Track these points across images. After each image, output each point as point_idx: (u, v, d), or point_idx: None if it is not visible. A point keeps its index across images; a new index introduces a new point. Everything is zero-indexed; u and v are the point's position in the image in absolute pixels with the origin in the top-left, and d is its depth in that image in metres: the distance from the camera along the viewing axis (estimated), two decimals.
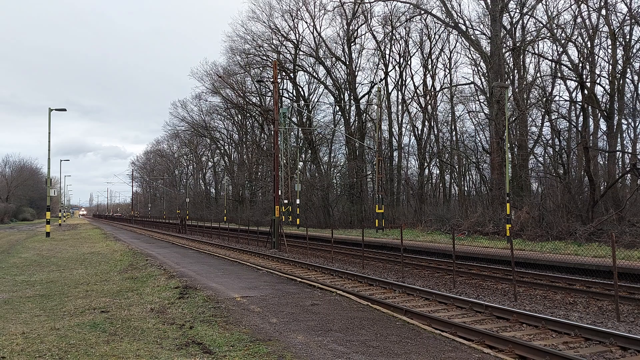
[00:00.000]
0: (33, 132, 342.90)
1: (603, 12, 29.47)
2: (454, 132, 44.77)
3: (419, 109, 47.76)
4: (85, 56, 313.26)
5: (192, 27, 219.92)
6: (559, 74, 33.20)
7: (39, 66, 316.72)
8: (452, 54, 46.58)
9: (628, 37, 30.45)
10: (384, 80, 49.36)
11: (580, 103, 30.06)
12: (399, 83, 48.91)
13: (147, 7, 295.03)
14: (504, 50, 34.04)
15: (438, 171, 47.43)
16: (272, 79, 36.42)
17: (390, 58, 49.58)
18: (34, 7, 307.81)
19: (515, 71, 36.79)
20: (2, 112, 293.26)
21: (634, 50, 30.31)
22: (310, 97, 58.13)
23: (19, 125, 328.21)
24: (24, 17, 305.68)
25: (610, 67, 30.10)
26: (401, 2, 42.17)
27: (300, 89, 58.00)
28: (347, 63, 50.55)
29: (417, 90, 48.20)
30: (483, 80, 40.56)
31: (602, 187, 27.80)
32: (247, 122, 72.08)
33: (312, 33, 52.36)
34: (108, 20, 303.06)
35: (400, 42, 48.24)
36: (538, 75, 36.76)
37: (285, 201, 45.41)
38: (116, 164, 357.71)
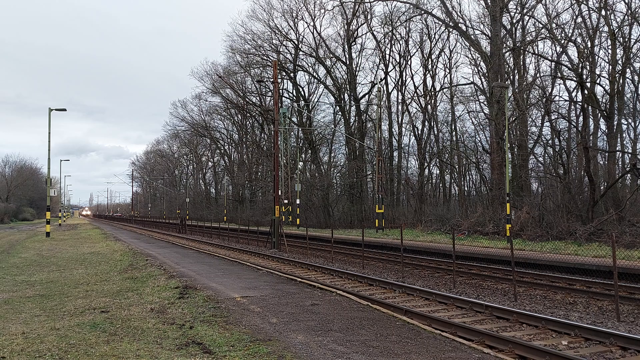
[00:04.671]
0: (36, 132, 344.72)
1: (603, 12, 29.48)
2: (454, 132, 44.80)
3: (419, 109, 47.77)
4: (88, 56, 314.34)
5: (196, 27, 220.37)
6: (559, 74, 33.18)
7: (43, 66, 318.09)
8: (452, 54, 46.59)
9: (628, 37, 30.46)
10: (384, 80, 49.38)
11: (580, 103, 30.05)
12: (399, 83, 48.93)
13: (151, 7, 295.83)
14: (504, 50, 34.03)
15: (438, 171, 47.46)
16: (272, 79, 36.43)
17: (390, 58, 49.64)
18: (39, 7, 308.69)
19: (515, 71, 36.78)
20: (6, 113, 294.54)
21: (634, 50, 30.32)
22: (310, 97, 58.16)
23: (23, 125, 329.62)
24: (28, 17, 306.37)
25: (610, 67, 30.09)
26: (401, 2, 42.17)
27: (301, 89, 58.06)
28: (347, 63, 50.55)
29: (417, 90, 48.24)
30: (483, 80, 40.54)
31: (602, 187, 27.80)
32: (247, 122, 72.08)
33: (312, 33, 52.42)
34: (112, 19, 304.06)
35: (400, 42, 48.29)
36: (538, 75, 36.75)
37: (285, 201, 45.39)
38: (118, 164, 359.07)
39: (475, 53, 39.33)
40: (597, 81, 30.49)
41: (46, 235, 39.27)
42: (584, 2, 29.97)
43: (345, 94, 51.82)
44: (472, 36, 37.89)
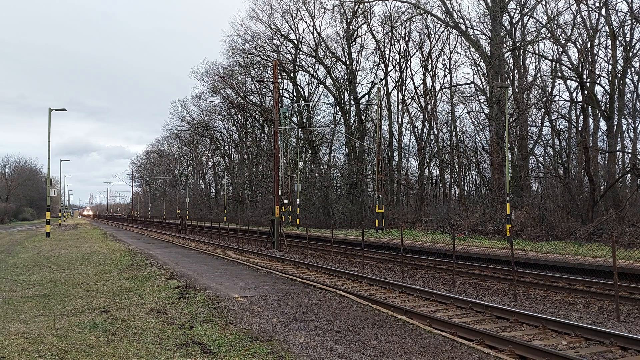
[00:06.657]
0: (37, 132, 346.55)
1: (603, 12, 29.48)
2: (454, 132, 44.77)
3: (419, 109, 47.76)
4: (88, 56, 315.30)
5: (196, 27, 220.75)
6: (559, 74, 33.18)
7: (44, 67, 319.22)
8: (452, 54, 46.48)
9: (628, 37, 30.48)
10: (384, 80, 49.37)
11: (580, 103, 30.05)
12: (399, 83, 48.90)
13: (151, 7, 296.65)
14: (504, 50, 34.02)
15: (438, 171, 47.42)
16: (272, 79, 36.44)
17: (390, 58, 49.60)
18: (39, 7, 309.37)
19: (515, 71, 36.77)
20: (9, 113, 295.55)
21: (634, 50, 30.31)
22: (310, 97, 58.14)
23: (23, 126, 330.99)
24: (28, 17, 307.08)
25: (610, 67, 30.09)
26: (401, 1, 42.16)
27: (301, 89, 58.04)
28: (347, 63, 50.55)
29: (417, 90, 48.21)
30: (483, 80, 40.54)
31: (602, 187, 27.79)
32: (247, 122, 72.07)
33: (312, 33, 52.41)
34: (112, 19, 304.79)
35: (400, 42, 48.25)
36: (538, 75, 36.75)
37: (285, 201, 45.39)
38: (119, 164, 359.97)
39: (475, 53, 39.32)
40: (597, 81, 30.49)
41: (46, 235, 39.27)
42: (584, 2, 29.95)
43: (345, 94, 51.83)
44: (472, 36, 37.89)
